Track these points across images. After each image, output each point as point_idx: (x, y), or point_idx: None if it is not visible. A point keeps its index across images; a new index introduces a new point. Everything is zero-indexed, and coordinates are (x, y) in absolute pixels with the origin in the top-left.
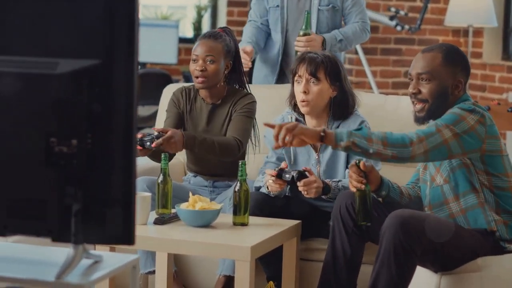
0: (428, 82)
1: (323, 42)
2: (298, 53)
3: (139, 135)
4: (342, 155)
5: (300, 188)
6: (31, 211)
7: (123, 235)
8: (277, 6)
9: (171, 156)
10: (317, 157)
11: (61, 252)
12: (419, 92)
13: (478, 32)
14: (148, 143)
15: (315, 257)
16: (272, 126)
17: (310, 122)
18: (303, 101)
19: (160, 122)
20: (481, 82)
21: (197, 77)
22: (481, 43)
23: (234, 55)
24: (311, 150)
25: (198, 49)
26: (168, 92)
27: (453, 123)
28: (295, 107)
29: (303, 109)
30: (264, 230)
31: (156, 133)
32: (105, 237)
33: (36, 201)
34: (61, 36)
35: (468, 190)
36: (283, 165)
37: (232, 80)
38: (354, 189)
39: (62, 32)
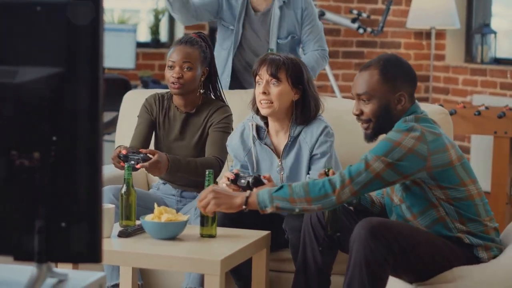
0: (368, 102)
1: None
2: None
3: (123, 151)
4: (304, 160)
5: None
6: None
7: (89, 252)
8: (232, 29)
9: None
10: (279, 163)
11: (25, 270)
12: (362, 113)
13: (440, 34)
14: (132, 162)
15: (286, 268)
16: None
17: (273, 126)
18: (263, 102)
19: (121, 130)
20: (444, 85)
21: (173, 83)
22: (443, 45)
23: (210, 62)
24: (274, 157)
25: (174, 55)
26: (129, 99)
27: (385, 153)
28: (258, 111)
29: (263, 111)
30: (233, 242)
31: (142, 155)
32: (70, 255)
33: None
34: (20, 43)
35: (426, 207)
36: (235, 170)
37: (207, 87)
38: None
39: (22, 38)
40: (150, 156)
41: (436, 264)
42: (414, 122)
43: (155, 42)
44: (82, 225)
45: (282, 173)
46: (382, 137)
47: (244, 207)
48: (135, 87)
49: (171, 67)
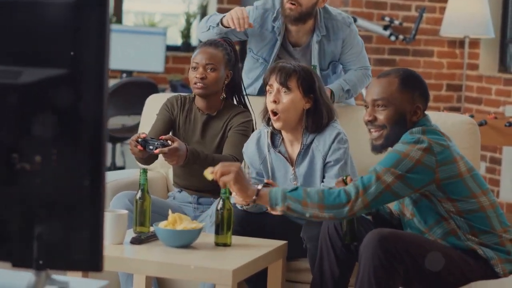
0: (384, 109)
1: (331, 94)
2: None
3: (142, 135)
4: (318, 168)
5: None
6: None
7: (90, 260)
8: (261, 62)
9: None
10: (293, 172)
11: (25, 276)
12: (375, 119)
13: (474, 43)
14: (151, 147)
15: (302, 279)
16: None
17: (286, 136)
18: (274, 114)
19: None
20: (477, 95)
21: (196, 84)
22: (477, 54)
23: (234, 66)
24: (288, 165)
25: (198, 56)
26: (152, 102)
27: (393, 164)
28: (268, 121)
29: (275, 125)
30: (247, 251)
31: (162, 141)
32: (71, 262)
33: None
34: (24, 43)
35: (437, 220)
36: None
37: (231, 91)
38: None
39: (26, 38)
40: (170, 143)
41: (450, 277)
42: (421, 134)
43: (186, 45)
44: (83, 232)
45: (295, 181)
46: (389, 150)
47: (254, 197)
48: (163, 90)
49: (195, 68)
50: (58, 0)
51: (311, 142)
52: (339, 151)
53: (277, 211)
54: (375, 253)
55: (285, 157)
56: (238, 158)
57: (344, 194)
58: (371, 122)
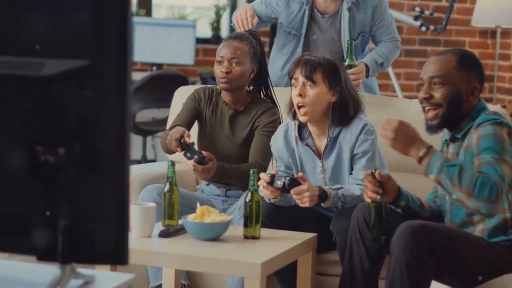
0: (441, 87)
1: (366, 68)
2: None
3: (187, 139)
4: (346, 160)
5: (294, 197)
6: (14, 227)
7: (115, 254)
8: (295, 34)
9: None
10: (321, 165)
11: (50, 270)
12: (431, 96)
13: (506, 33)
14: (188, 154)
15: (332, 271)
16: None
17: (313, 130)
18: (300, 107)
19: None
20: (509, 85)
21: (221, 78)
22: (509, 44)
23: (260, 59)
24: (316, 158)
25: (223, 50)
26: (180, 94)
27: (501, 152)
28: (294, 115)
29: (301, 118)
30: (276, 244)
31: (201, 156)
32: (96, 256)
33: (19, 216)
34: (47, 35)
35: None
36: (273, 171)
37: (257, 85)
38: (369, 200)
39: (49, 30)
40: (207, 159)
41: (482, 268)
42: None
43: (216, 38)
44: (108, 225)
45: (324, 174)
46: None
47: (420, 155)
48: (194, 83)
49: (220, 62)
50: None
51: (338, 135)
52: (366, 143)
53: (431, 178)
54: (407, 247)
55: (313, 150)
56: (264, 164)
57: (494, 189)
58: (427, 99)
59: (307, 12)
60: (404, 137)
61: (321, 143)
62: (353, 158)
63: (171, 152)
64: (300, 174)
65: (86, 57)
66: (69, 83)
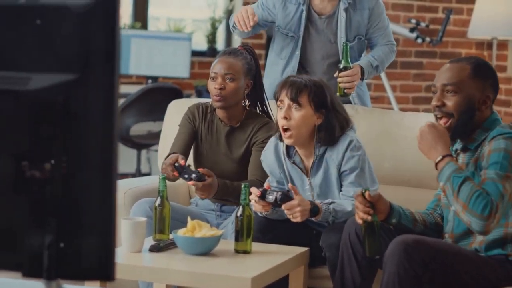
0: (454, 95)
1: (361, 70)
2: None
3: (181, 162)
4: (333, 178)
5: (285, 212)
6: None
7: (102, 269)
8: (292, 36)
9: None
10: (309, 182)
11: (36, 286)
12: (444, 105)
13: (502, 45)
14: (186, 176)
15: (324, 286)
16: None
17: (299, 150)
18: (285, 130)
19: (165, 139)
20: (506, 97)
21: (215, 96)
22: (505, 56)
23: (255, 75)
24: (303, 176)
25: (217, 66)
26: (174, 107)
27: (509, 168)
28: (281, 136)
29: (286, 141)
30: (268, 258)
31: (199, 174)
32: (81, 272)
33: (4, 231)
34: (33, 49)
35: (500, 224)
36: (265, 185)
37: (252, 101)
38: (360, 221)
39: (35, 44)
40: (206, 177)
41: (476, 283)
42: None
43: (212, 51)
44: (95, 240)
45: (312, 192)
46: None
47: (436, 160)
48: (189, 96)
49: (214, 79)
50: (67, 6)
51: (324, 152)
52: (353, 159)
53: (440, 186)
54: (400, 262)
55: (300, 168)
56: (264, 181)
57: (488, 206)
58: (439, 107)
59: (304, 12)
60: (429, 140)
61: (308, 161)
62: (341, 175)
63: (172, 179)
64: (291, 185)
65: (73, 71)
66: (55, 98)
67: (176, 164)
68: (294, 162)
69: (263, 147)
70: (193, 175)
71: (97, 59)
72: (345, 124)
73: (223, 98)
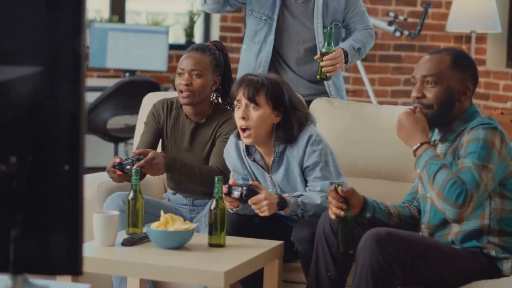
0: (434, 86)
1: (345, 53)
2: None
3: (117, 160)
4: (296, 174)
5: (252, 206)
6: None
7: (69, 263)
8: (265, 20)
9: (143, 175)
10: (270, 179)
11: (2, 281)
12: (424, 96)
13: (481, 38)
14: (128, 167)
15: (299, 279)
16: None
17: (259, 149)
18: (243, 129)
19: (140, 132)
20: (484, 90)
21: (181, 92)
22: (484, 49)
23: (223, 71)
24: (265, 173)
25: (184, 62)
26: (149, 100)
27: (486, 158)
28: (239, 135)
29: (245, 141)
30: (241, 252)
31: (136, 156)
32: (49, 266)
33: None
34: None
35: (475, 216)
36: (231, 181)
37: (222, 96)
38: (333, 216)
39: (1, 36)
40: (143, 154)
41: (450, 276)
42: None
43: (190, 44)
44: (62, 235)
45: (275, 188)
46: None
47: (414, 148)
48: (166, 89)
49: (180, 74)
50: None
51: (284, 150)
52: (314, 154)
53: (417, 173)
54: (373, 255)
55: (260, 165)
56: (224, 170)
57: (463, 195)
58: (419, 99)
59: None
60: (407, 128)
61: (269, 158)
62: (304, 171)
63: (123, 180)
64: (255, 182)
65: (39, 63)
66: (21, 90)
67: (115, 164)
68: (254, 160)
69: (227, 138)
70: (132, 161)
71: (63, 51)
72: (304, 120)
73: (190, 95)
